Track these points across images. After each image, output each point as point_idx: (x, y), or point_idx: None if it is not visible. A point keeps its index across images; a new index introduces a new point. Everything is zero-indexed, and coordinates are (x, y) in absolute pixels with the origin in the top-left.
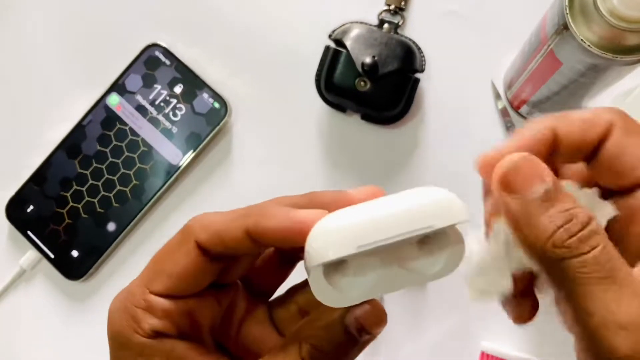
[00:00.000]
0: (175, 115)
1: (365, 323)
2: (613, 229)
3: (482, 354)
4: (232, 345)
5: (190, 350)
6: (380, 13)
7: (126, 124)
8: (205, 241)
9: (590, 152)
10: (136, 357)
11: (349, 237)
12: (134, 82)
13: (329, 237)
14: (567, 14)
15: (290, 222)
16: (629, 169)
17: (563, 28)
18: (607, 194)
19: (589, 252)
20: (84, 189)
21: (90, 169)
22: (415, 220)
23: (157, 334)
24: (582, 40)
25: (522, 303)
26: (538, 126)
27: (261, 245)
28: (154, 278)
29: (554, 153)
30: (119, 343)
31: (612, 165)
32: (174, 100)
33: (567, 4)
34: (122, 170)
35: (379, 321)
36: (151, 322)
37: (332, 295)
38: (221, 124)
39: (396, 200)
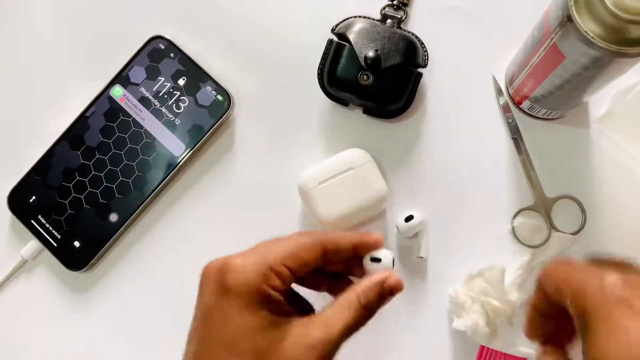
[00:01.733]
0: (178, 107)
1: (393, 287)
2: None
3: (482, 347)
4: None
5: (286, 305)
6: (384, 8)
7: (129, 116)
8: (329, 246)
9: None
10: (253, 297)
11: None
12: (137, 73)
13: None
14: (571, 5)
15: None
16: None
17: (567, 20)
18: None
19: None
20: (86, 179)
21: (93, 160)
22: (342, 166)
23: (274, 289)
24: (586, 32)
25: None
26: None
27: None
28: (288, 259)
29: None
30: (246, 287)
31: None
32: (177, 93)
33: None
34: (125, 162)
35: (399, 287)
36: (276, 282)
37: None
38: (224, 116)
39: (334, 158)
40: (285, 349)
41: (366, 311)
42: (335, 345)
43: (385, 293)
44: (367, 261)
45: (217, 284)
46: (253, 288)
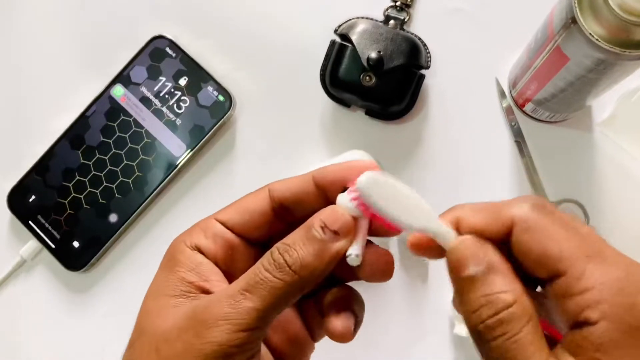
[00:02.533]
0: (179, 107)
1: (326, 220)
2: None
3: None
4: None
5: (215, 274)
6: (386, 9)
7: (130, 116)
8: (278, 190)
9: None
10: (171, 261)
11: None
12: (139, 73)
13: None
14: (575, 7)
15: (347, 166)
16: (536, 267)
17: (571, 22)
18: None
19: (495, 339)
20: (86, 179)
21: (93, 160)
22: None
23: (197, 248)
24: (590, 34)
25: None
26: (444, 214)
27: (322, 190)
28: (223, 210)
29: None
30: (170, 250)
31: (522, 261)
32: (179, 93)
33: None
34: (125, 162)
35: (337, 219)
36: (199, 238)
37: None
38: (225, 117)
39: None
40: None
41: (292, 278)
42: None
43: (315, 234)
44: (339, 194)
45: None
46: (170, 250)
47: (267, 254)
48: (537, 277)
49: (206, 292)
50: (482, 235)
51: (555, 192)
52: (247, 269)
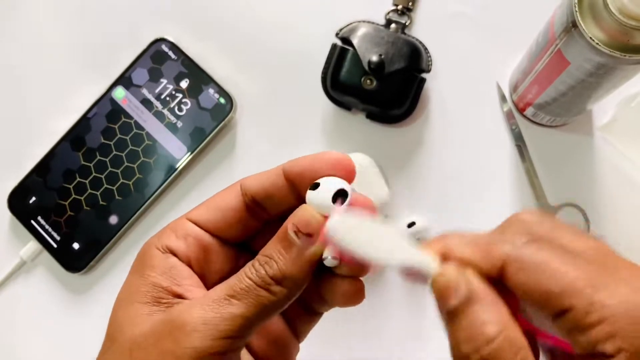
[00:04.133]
0: (180, 109)
1: (298, 224)
2: None
3: None
4: None
5: (187, 278)
6: (388, 13)
7: (131, 118)
8: (249, 184)
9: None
10: (142, 265)
11: None
12: (140, 75)
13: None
14: (576, 11)
15: (319, 158)
16: (538, 306)
17: (572, 26)
18: None
19: None
20: (87, 181)
21: (94, 162)
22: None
23: (168, 250)
24: (590, 38)
25: None
26: (432, 242)
27: (293, 184)
28: (195, 209)
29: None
30: (141, 254)
31: (522, 299)
32: (180, 95)
33: (576, 1)
34: (126, 164)
35: (308, 222)
36: (170, 239)
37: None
38: (226, 119)
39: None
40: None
41: (276, 289)
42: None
43: (291, 241)
44: (308, 191)
45: None
46: (141, 252)
47: (249, 264)
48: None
49: (179, 296)
50: (468, 265)
51: (556, 196)
52: (222, 271)
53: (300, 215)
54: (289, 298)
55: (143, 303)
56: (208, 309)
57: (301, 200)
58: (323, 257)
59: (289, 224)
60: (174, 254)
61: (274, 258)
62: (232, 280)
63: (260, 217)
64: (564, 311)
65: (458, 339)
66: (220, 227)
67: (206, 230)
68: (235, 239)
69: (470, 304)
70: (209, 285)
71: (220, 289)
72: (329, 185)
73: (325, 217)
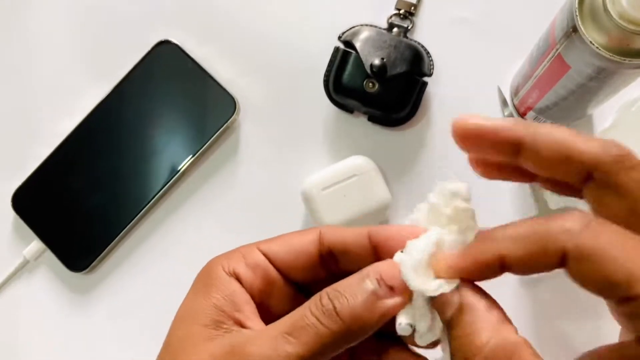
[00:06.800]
0: (183, 112)
1: (384, 274)
2: None
3: None
4: None
5: (248, 305)
6: (390, 17)
7: (134, 119)
8: (330, 235)
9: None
10: (207, 285)
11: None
12: (144, 78)
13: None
14: (576, 16)
15: (405, 229)
16: (601, 295)
17: (572, 31)
18: None
19: None
20: (90, 182)
21: (98, 163)
22: (346, 173)
23: (234, 275)
24: (591, 42)
25: None
26: (483, 250)
27: (375, 248)
28: (269, 241)
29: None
30: (206, 271)
31: (584, 288)
32: (183, 97)
33: (576, 6)
34: (129, 165)
35: (395, 276)
36: (239, 264)
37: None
38: (229, 122)
39: (339, 165)
40: None
41: (340, 327)
42: None
43: (369, 287)
44: (397, 253)
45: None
46: (207, 269)
47: (315, 297)
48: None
49: (239, 323)
50: (529, 268)
51: (556, 199)
52: (281, 307)
53: (388, 267)
54: (348, 341)
55: (203, 325)
56: (266, 346)
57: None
58: (397, 322)
59: (372, 271)
60: (239, 280)
61: (346, 294)
62: (295, 316)
63: (330, 268)
64: (629, 299)
65: (453, 349)
66: (291, 267)
67: (275, 266)
68: (301, 281)
69: (461, 315)
70: (264, 318)
71: (280, 325)
72: (416, 254)
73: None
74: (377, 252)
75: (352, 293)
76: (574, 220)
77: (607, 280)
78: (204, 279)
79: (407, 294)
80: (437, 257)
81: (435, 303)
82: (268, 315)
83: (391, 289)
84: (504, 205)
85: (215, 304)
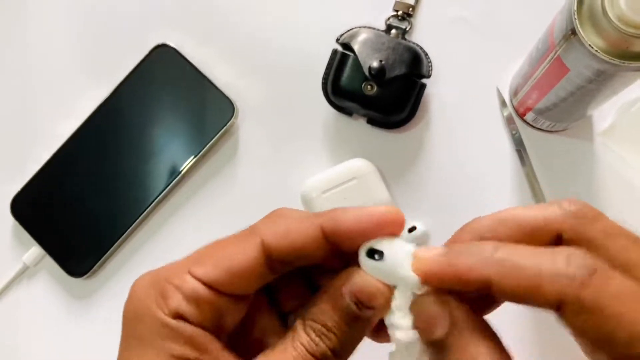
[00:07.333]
0: (182, 114)
1: (360, 297)
2: None
3: None
4: (241, 350)
5: (211, 342)
6: (388, 19)
7: (134, 122)
8: (275, 244)
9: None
10: (152, 334)
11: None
12: (142, 80)
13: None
14: (575, 19)
15: (367, 216)
16: (598, 351)
17: (571, 34)
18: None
19: None
20: (89, 186)
21: (97, 167)
22: (345, 175)
23: (180, 317)
24: (589, 45)
25: None
26: (471, 267)
27: (333, 245)
28: (199, 262)
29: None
30: (138, 315)
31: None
32: (182, 100)
33: (575, 9)
34: (128, 169)
35: (372, 295)
36: (179, 303)
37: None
38: (227, 125)
39: (338, 168)
40: None
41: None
42: None
43: (351, 312)
44: (362, 256)
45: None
46: (143, 313)
47: (300, 334)
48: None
49: None
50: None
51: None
52: (235, 321)
53: (361, 285)
54: None
55: None
56: None
57: (340, 257)
58: (387, 325)
59: (347, 293)
60: (186, 320)
61: (333, 330)
62: (285, 355)
63: (280, 271)
64: (629, 357)
65: None
66: (233, 286)
67: (217, 291)
68: (249, 292)
69: (453, 333)
70: (224, 340)
71: None
72: (396, 253)
73: (391, 288)
74: (337, 246)
75: (335, 324)
76: (578, 264)
77: (607, 337)
78: (143, 329)
79: (388, 304)
80: (418, 255)
81: (419, 320)
82: (229, 334)
83: (372, 308)
84: (504, 207)
85: (175, 354)
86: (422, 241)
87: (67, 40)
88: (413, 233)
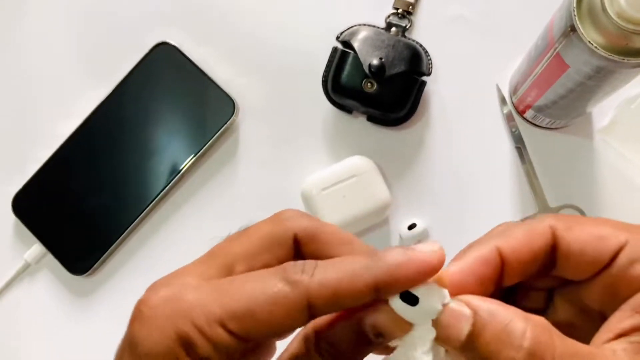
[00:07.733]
0: (182, 113)
1: (383, 330)
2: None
3: None
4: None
5: None
6: (388, 16)
7: (134, 121)
8: (321, 303)
9: (543, 262)
10: None
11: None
12: (142, 79)
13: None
14: (574, 15)
15: (408, 261)
16: (594, 254)
17: (570, 30)
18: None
19: None
20: (90, 184)
21: (97, 165)
22: (345, 173)
23: None
24: (589, 42)
25: None
26: (482, 248)
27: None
28: (237, 315)
29: (503, 274)
30: (154, 354)
31: (572, 265)
32: (182, 99)
33: (574, 6)
34: (129, 167)
35: (391, 331)
36: (210, 354)
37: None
38: (228, 123)
39: (338, 165)
40: None
41: None
42: None
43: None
44: (396, 298)
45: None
46: (159, 353)
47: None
48: (587, 277)
49: None
50: (524, 259)
51: (556, 197)
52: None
53: (385, 321)
54: None
55: None
56: None
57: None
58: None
59: (368, 325)
60: None
61: (347, 355)
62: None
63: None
64: (621, 249)
65: (488, 354)
66: (268, 340)
67: (246, 339)
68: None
69: (481, 320)
70: None
71: None
72: (431, 302)
73: (410, 325)
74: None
75: (351, 350)
76: (556, 215)
77: (596, 236)
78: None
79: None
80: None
81: (442, 331)
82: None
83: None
84: (504, 204)
85: None
86: (421, 237)
87: (67, 39)
88: (413, 230)
